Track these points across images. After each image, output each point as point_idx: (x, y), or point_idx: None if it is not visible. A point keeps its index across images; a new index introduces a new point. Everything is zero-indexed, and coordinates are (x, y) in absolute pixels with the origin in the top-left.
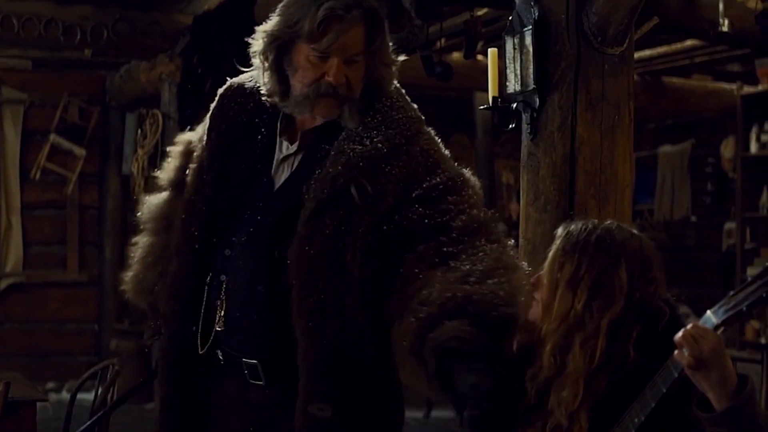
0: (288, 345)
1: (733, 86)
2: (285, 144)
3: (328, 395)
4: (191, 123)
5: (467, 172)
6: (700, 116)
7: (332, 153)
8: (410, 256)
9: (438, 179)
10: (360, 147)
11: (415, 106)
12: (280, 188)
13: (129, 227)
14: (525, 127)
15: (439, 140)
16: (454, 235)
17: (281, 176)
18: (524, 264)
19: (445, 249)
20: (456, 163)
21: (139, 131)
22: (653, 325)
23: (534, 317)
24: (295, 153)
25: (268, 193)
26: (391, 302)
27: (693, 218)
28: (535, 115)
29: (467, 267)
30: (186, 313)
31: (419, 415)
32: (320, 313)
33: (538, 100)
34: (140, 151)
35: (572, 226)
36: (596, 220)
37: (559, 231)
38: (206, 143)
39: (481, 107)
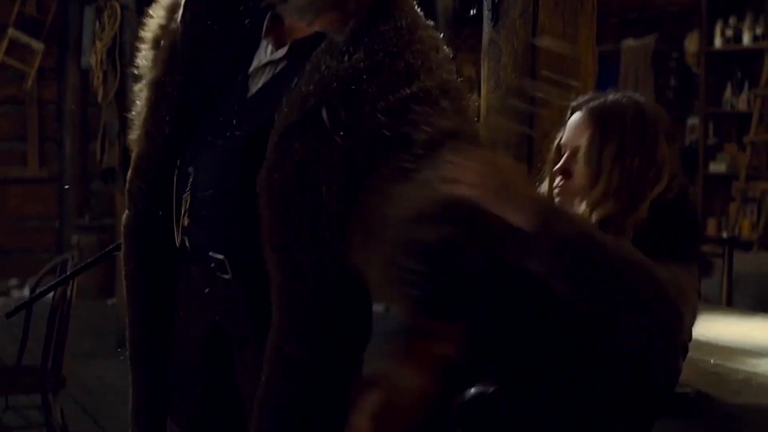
0: (257, 243)
1: None
2: (270, 48)
3: (306, 341)
4: None
5: (456, 83)
6: (664, 10)
7: (307, 68)
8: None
9: (411, 89)
10: (336, 63)
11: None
12: (254, 96)
13: (89, 122)
14: (486, 14)
15: (440, 45)
16: (416, 149)
17: (258, 82)
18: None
19: (404, 166)
20: (454, 74)
21: (98, 23)
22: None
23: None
24: (279, 60)
25: (242, 99)
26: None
27: None
28: (496, 1)
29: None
30: (152, 194)
31: (379, 309)
32: (294, 248)
33: None
34: (99, 44)
35: (592, 104)
36: (610, 95)
37: (579, 116)
38: (180, 22)
39: None
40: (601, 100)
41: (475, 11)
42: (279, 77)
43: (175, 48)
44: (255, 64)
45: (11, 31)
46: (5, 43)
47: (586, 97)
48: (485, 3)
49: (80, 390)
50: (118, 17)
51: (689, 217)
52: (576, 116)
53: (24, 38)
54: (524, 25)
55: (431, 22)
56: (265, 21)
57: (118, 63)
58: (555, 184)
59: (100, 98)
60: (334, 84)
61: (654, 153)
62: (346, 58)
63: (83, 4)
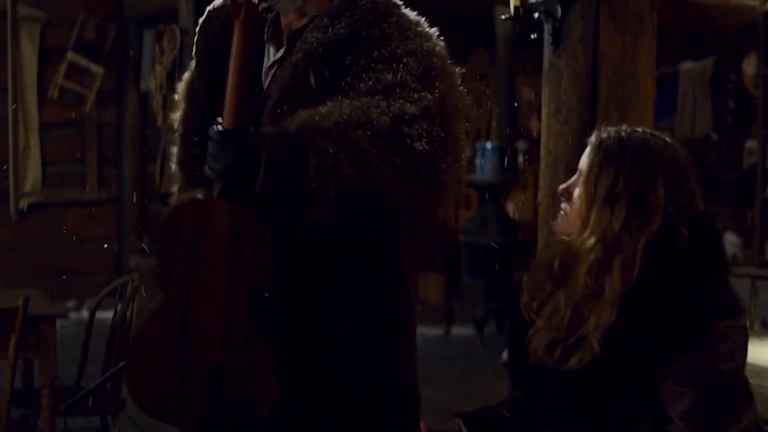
0: None
1: (756, 2)
2: (272, 50)
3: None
4: None
5: (431, 51)
6: (722, 32)
7: (298, 43)
8: None
9: (378, 54)
10: (321, 34)
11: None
12: (266, 91)
13: (147, 145)
14: (547, 38)
15: (418, 22)
16: (355, 101)
17: (267, 81)
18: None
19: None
20: (436, 50)
21: (157, 47)
22: (673, 244)
23: (564, 230)
24: (282, 58)
25: (258, 97)
26: None
27: (714, 136)
28: (557, 24)
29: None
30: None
31: (439, 332)
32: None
33: (560, 9)
34: (158, 68)
35: (605, 135)
36: (628, 128)
37: (592, 139)
38: (195, 54)
39: (503, 17)
40: (607, 135)
41: (535, 35)
42: (282, 68)
43: (192, 81)
44: (264, 69)
45: (71, 55)
46: (65, 67)
47: (617, 127)
48: (546, 27)
49: (138, 412)
50: (178, 41)
51: (718, 265)
52: (590, 140)
53: (83, 62)
54: (585, 49)
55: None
56: (266, 28)
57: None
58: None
59: (159, 122)
60: (319, 50)
61: (647, 193)
62: (330, 30)
63: (142, 28)
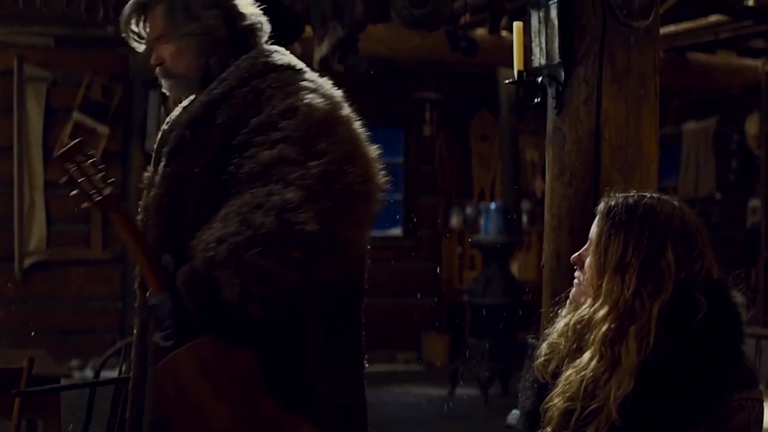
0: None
1: (758, 62)
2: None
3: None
4: None
5: (304, 103)
6: (724, 93)
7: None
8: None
9: (256, 119)
10: (204, 97)
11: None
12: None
13: None
14: (550, 102)
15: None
16: (241, 185)
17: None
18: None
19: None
20: (309, 98)
21: (162, 108)
22: (688, 317)
23: (578, 299)
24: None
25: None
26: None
27: (717, 195)
28: (560, 88)
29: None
30: None
31: (443, 392)
32: (162, 249)
33: (563, 73)
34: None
35: (612, 202)
36: (636, 194)
37: (600, 208)
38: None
39: (507, 81)
40: (615, 203)
41: (539, 99)
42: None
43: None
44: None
45: (76, 115)
46: (70, 127)
47: (625, 193)
48: (549, 91)
49: None
50: None
51: (734, 335)
52: (599, 208)
53: (89, 122)
54: (588, 113)
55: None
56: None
57: None
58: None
59: None
60: (199, 108)
61: (657, 260)
62: (213, 91)
63: (148, 89)
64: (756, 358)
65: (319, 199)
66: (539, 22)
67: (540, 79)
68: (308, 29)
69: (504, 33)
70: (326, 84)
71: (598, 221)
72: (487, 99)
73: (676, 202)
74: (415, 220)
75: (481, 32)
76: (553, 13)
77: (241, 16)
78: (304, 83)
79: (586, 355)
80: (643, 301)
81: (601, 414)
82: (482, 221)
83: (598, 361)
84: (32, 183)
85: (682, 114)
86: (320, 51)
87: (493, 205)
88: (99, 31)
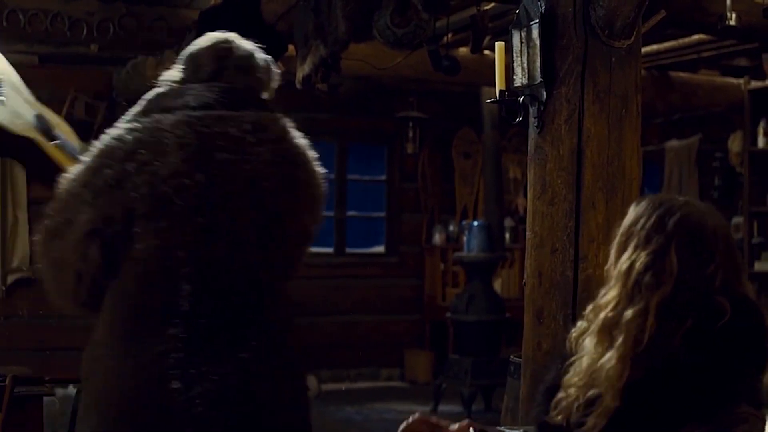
0: None
1: (741, 81)
2: None
3: None
4: None
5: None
6: (707, 111)
7: None
8: None
9: None
10: None
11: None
12: None
13: None
14: (532, 121)
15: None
16: None
17: None
18: None
19: None
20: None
21: None
22: (709, 320)
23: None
24: None
25: None
26: None
27: None
28: (542, 108)
29: None
30: None
31: (427, 409)
32: None
33: (545, 93)
34: None
35: (646, 199)
36: (671, 195)
37: (631, 206)
38: None
39: (489, 101)
40: (658, 196)
41: (521, 118)
42: None
43: None
44: None
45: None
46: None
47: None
48: (531, 110)
49: None
50: None
51: (757, 351)
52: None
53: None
54: (569, 132)
55: None
56: None
57: None
58: None
59: None
60: None
61: (661, 257)
62: None
63: (131, 107)
64: None
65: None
66: (521, 42)
67: (522, 98)
68: (291, 48)
69: (487, 52)
70: None
71: (629, 213)
72: (470, 117)
73: (704, 208)
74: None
75: (463, 51)
76: (535, 33)
77: None
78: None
79: (588, 340)
80: (641, 290)
81: (601, 401)
82: (465, 238)
83: (596, 346)
84: (16, 200)
85: (665, 132)
86: (303, 70)
87: (476, 223)
88: (83, 50)
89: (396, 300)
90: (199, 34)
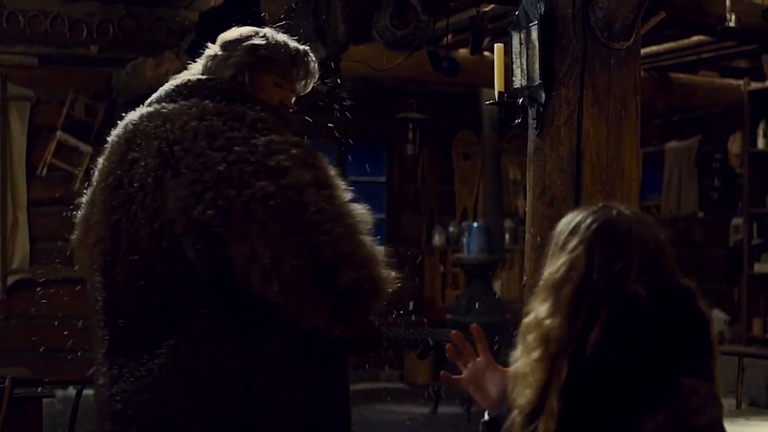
0: None
1: (740, 82)
2: None
3: None
4: None
5: None
6: (707, 112)
7: None
8: None
9: None
10: None
11: None
12: None
13: None
14: (531, 122)
15: None
16: None
17: None
18: None
19: None
20: None
21: None
22: (627, 310)
23: None
24: None
25: None
26: None
27: (700, 214)
28: (541, 109)
29: None
30: None
31: (426, 410)
32: None
33: (544, 94)
34: None
35: (567, 215)
36: (591, 206)
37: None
38: None
39: (487, 102)
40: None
41: (520, 119)
42: None
43: None
44: None
45: (59, 134)
46: (54, 145)
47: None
48: (530, 111)
49: None
50: None
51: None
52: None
53: (72, 141)
54: (569, 133)
55: None
56: None
57: None
58: None
59: None
60: None
61: (571, 261)
62: None
63: (131, 108)
64: (738, 375)
65: None
66: (520, 44)
67: (521, 100)
68: None
69: (486, 53)
70: None
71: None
72: (470, 118)
73: (626, 212)
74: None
75: (463, 53)
76: (534, 34)
77: None
78: None
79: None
80: (553, 292)
81: (542, 409)
82: (465, 240)
83: (521, 355)
84: (16, 201)
85: (665, 133)
86: None
87: (475, 224)
88: (82, 50)
89: (395, 301)
90: (199, 35)
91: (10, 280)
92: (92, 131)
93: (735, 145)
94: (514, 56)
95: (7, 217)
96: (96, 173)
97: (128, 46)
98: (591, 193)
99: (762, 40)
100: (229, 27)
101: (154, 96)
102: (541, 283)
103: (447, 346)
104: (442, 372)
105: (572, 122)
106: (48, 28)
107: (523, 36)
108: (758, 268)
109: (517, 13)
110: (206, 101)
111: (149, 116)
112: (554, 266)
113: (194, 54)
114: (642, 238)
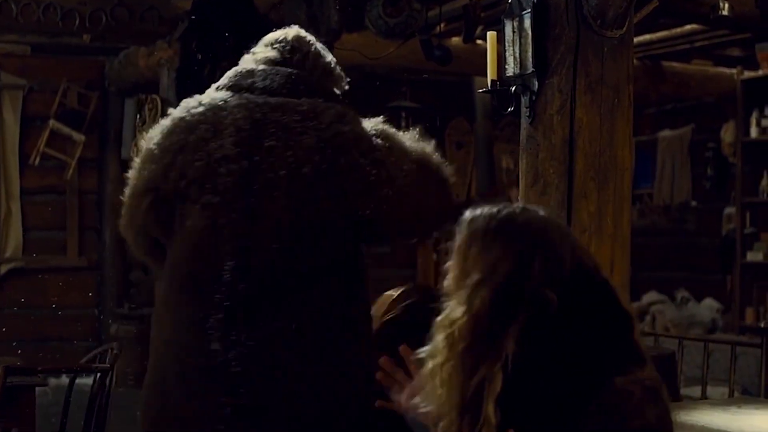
0: None
1: (734, 71)
2: None
3: None
4: None
5: None
6: (700, 101)
7: None
8: None
9: None
10: None
11: None
12: None
13: None
14: (524, 111)
15: None
16: None
17: None
18: None
19: None
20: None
21: (138, 116)
22: (539, 318)
23: None
24: None
25: None
26: None
27: (693, 203)
28: (533, 98)
29: None
30: None
31: None
32: None
33: (536, 83)
34: (139, 136)
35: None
36: (512, 206)
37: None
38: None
39: (480, 91)
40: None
41: (512, 108)
42: None
43: None
44: None
45: (53, 123)
46: (47, 134)
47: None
48: (522, 100)
49: None
50: (159, 110)
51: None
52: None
53: (65, 129)
54: (561, 121)
55: None
56: None
57: None
58: None
59: None
60: None
61: (478, 263)
62: None
63: (124, 97)
64: (731, 364)
65: None
66: (513, 32)
67: (513, 88)
68: None
69: (479, 41)
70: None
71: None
72: (462, 106)
73: (517, 210)
74: None
75: (456, 41)
76: (527, 22)
77: None
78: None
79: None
80: (463, 298)
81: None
82: (458, 228)
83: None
84: (8, 190)
85: (658, 122)
86: None
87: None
88: (75, 39)
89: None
90: (192, 24)
91: (3, 269)
92: (85, 120)
93: (728, 134)
94: (506, 44)
95: (0, 206)
96: (203, 146)
97: (121, 35)
98: (583, 181)
99: (755, 28)
100: (222, 15)
101: (246, 82)
102: (452, 282)
103: (378, 374)
104: (377, 401)
105: (565, 110)
106: (40, 17)
107: (515, 24)
108: (751, 256)
109: (510, 1)
110: (336, 104)
111: (275, 107)
112: (462, 269)
113: (187, 42)
114: (541, 229)
